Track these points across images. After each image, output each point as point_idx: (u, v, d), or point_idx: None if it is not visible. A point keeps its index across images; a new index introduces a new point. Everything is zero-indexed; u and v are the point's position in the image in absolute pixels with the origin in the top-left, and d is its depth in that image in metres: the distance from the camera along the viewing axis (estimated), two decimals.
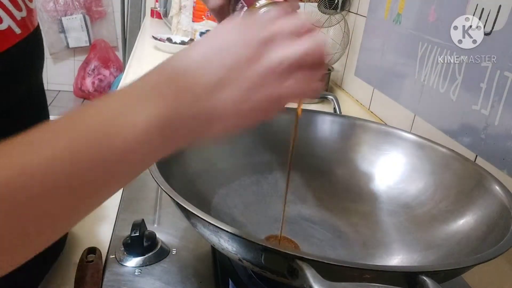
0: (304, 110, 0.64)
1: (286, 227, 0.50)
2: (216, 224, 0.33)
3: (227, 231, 0.33)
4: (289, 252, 0.31)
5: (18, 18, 0.36)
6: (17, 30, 0.36)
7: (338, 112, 0.69)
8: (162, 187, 0.38)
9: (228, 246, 0.35)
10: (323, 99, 0.82)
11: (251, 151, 0.57)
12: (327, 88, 1.20)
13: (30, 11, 0.39)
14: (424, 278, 0.29)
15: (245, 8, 0.49)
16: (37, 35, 0.41)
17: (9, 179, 0.21)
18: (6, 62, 0.35)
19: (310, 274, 0.29)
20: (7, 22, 0.35)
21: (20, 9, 0.37)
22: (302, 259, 0.30)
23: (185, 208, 0.35)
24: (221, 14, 0.50)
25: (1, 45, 0.34)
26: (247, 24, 0.31)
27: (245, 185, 0.55)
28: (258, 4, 0.47)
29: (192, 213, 0.34)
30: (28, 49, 0.39)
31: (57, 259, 0.47)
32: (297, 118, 0.44)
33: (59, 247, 0.49)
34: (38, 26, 0.42)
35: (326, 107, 1.10)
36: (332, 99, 0.73)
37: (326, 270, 0.29)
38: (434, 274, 0.30)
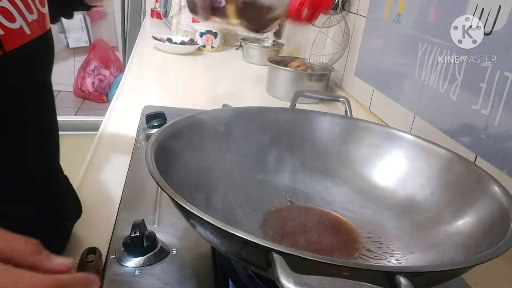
0: (304, 110, 0.64)
1: None
2: (200, 216, 0.33)
3: (210, 223, 0.33)
4: (265, 245, 0.31)
5: (29, 20, 0.38)
6: (28, 31, 0.38)
7: (349, 115, 0.69)
8: (160, 185, 0.38)
9: (213, 238, 0.35)
10: (335, 100, 0.82)
11: (252, 151, 0.57)
12: (327, 88, 1.20)
13: (42, 15, 0.40)
14: (401, 278, 0.29)
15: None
16: (47, 39, 0.42)
17: None
18: (15, 59, 0.37)
19: (280, 266, 0.29)
20: (20, 22, 0.37)
21: (31, 12, 0.38)
22: (276, 251, 0.30)
23: (178, 202, 0.35)
24: None
25: (14, 42, 0.36)
26: None
27: (245, 185, 0.55)
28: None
29: (187, 209, 0.34)
30: (36, 50, 0.40)
31: None
32: None
33: (60, 248, 0.49)
34: (50, 30, 0.43)
35: (336, 109, 1.10)
36: (344, 102, 0.74)
37: (304, 265, 0.29)
38: (413, 275, 0.30)
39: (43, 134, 0.45)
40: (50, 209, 0.46)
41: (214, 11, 0.51)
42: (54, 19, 0.62)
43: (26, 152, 0.42)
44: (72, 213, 0.52)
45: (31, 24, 0.38)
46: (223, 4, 0.49)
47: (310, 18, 0.47)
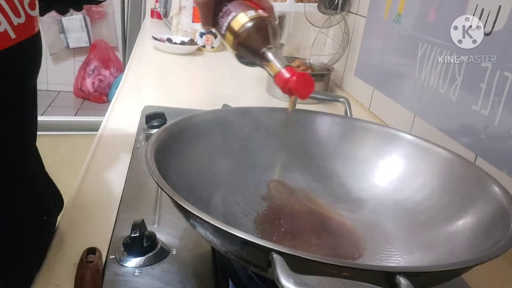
0: (304, 111, 0.64)
1: None
2: (200, 216, 0.34)
3: (210, 223, 0.33)
4: (265, 245, 0.31)
5: (15, 23, 0.37)
6: (12, 35, 0.37)
7: (349, 115, 0.70)
8: (160, 185, 0.38)
9: (213, 239, 0.35)
10: (335, 101, 0.82)
11: (252, 151, 0.57)
12: (327, 89, 1.20)
13: (30, 18, 0.40)
14: (401, 278, 0.29)
15: (233, 13, 0.50)
16: (33, 42, 0.42)
17: None
18: None
19: (280, 266, 0.29)
20: (4, 25, 0.36)
21: (18, 16, 0.38)
22: (276, 251, 0.30)
23: (178, 202, 0.35)
24: (205, 10, 0.52)
25: None
26: None
27: (245, 185, 0.55)
28: (248, 15, 0.49)
29: (187, 209, 0.34)
30: (21, 54, 0.40)
31: (43, 262, 0.47)
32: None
33: (43, 247, 0.48)
34: (38, 33, 0.42)
35: (336, 109, 1.10)
36: (344, 102, 0.74)
37: (304, 265, 0.29)
38: (413, 275, 0.30)
39: (20, 126, 0.45)
40: (23, 199, 0.46)
41: (215, 25, 0.53)
42: (64, 11, 0.65)
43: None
44: (49, 207, 0.51)
45: (17, 27, 0.38)
46: (223, 31, 0.52)
47: (292, 94, 0.49)
